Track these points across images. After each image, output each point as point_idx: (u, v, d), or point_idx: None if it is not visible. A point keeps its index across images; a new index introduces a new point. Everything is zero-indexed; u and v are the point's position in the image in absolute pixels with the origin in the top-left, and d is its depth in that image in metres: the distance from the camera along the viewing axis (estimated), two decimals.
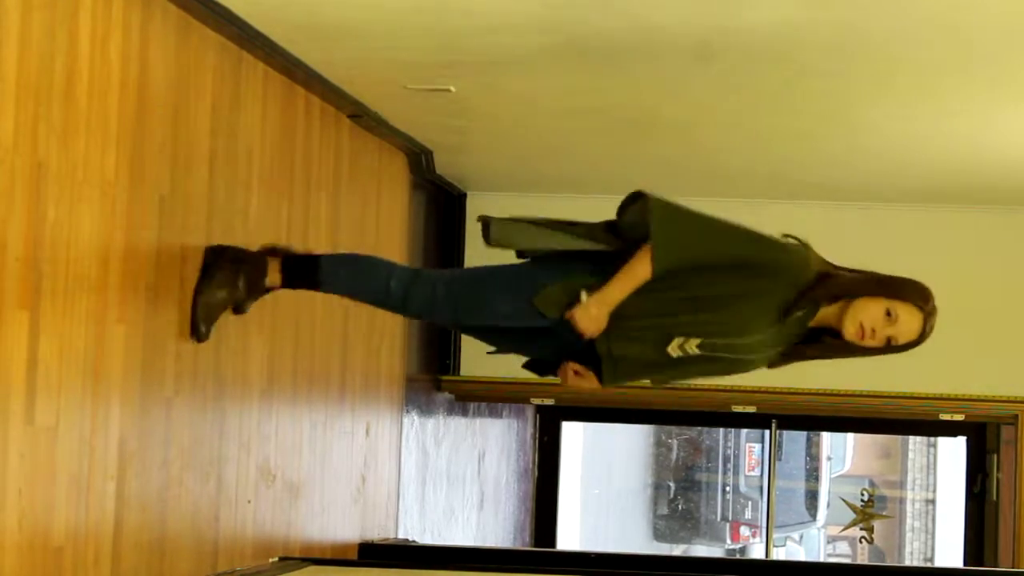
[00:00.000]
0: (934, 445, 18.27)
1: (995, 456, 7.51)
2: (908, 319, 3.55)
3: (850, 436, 18.88)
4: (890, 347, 3.59)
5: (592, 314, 3.57)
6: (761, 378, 6.79)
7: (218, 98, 4.13)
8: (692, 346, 3.58)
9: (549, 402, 7.41)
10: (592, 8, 3.93)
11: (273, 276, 3.92)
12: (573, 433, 13.12)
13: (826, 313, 3.59)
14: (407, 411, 6.34)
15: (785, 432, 13.41)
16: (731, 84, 4.75)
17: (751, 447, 17.56)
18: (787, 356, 3.72)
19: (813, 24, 3.99)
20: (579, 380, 3.70)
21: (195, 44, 3.98)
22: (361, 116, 5.34)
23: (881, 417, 7.36)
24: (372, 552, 5.62)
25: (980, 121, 5.10)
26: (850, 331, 3.54)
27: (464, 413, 7.53)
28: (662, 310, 3.58)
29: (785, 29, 4.03)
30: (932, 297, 3.61)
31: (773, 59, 4.37)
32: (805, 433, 17.30)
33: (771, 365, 3.75)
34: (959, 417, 6.98)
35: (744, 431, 16.86)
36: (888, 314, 3.52)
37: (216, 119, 4.12)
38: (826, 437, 18.20)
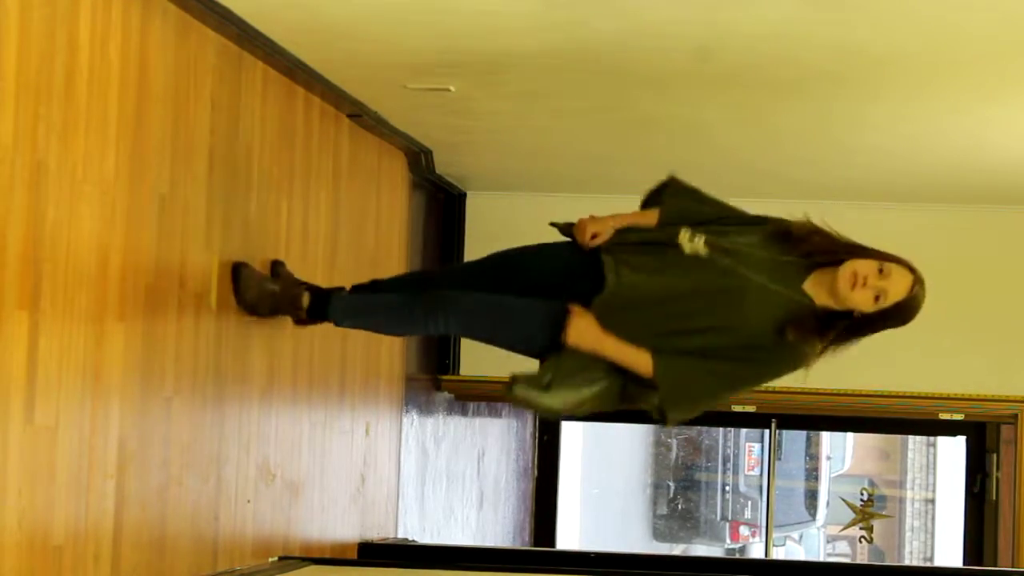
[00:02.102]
0: (934, 444, 18.28)
1: (995, 456, 7.51)
2: (899, 276, 3.62)
3: (849, 436, 18.88)
4: (882, 310, 3.63)
5: (600, 218, 3.90)
6: None
7: (218, 98, 4.14)
8: (700, 242, 3.73)
9: None
10: (592, 8, 3.93)
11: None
12: (573, 433, 13.12)
13: (821, 280, 3.69)
14: (407, 410, 6.34)
15: (785, 432, 13.42)
16: (730, 84, 4.76)
17: (751, 447, 17.56)
18: (792, 325, 3.70)
19: (812, 24, 3.99)
20: (581, 320, 3.73)
21: (195, 44, 3.98)
22: (361, 116, 5.35)
23: (881, 417, 7.36)
24: (372, 551, 5.62)
25: (980, 121, 5.10)
26: (844, 277, 3.61)
27: (464, 412, 7.53)
28: (662, 235, 3.83)
29: (784, 29, 4.03)
30: (917, 270, 3.70)
31: (772, 59, 4.37)
32: (805, 433, 17.30)
33: (780, 336, 3.70)
34: (959, 417, 6.98)
35: (744, 431, 16.86)
36: (880, 270, 3.60)
37: (216, 119, 4.12)
38: (826, 437, 18.20)
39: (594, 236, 3.86)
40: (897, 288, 3.62)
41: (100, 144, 3.42)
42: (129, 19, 3.57)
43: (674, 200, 3.88)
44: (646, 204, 4.00)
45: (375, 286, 4.36)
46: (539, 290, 3.90)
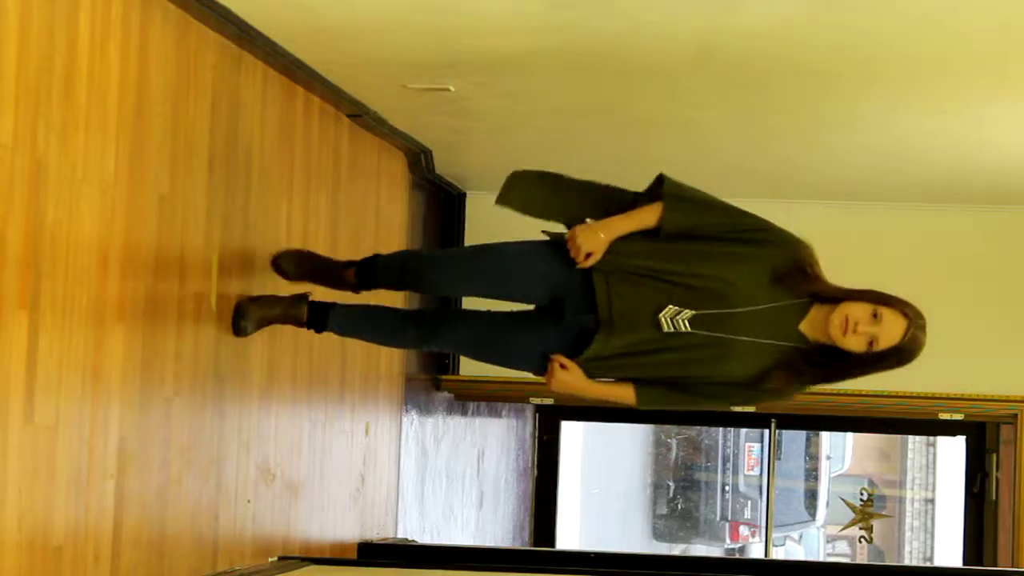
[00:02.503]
0: (933, 444, 18.28)
1: (994, 456, 7.50)
2: (892, 321, 3.58)
3: (849, 435, 18.88)
4: (874, 353, 3.61)
5: (594, 232, 3.76)
6: None
7: (218, 98, 4.14)
8: (683, 320, 3.68)
9: (548, 402, 7.41)
10: (592, 8, 3.93)
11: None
12: (573, 433, 13.12)
13: (817, 317, 3.67)
14: (406, 410, 6.34)
15: (784, 431, 13.41)
16: (730, 84, 4.76)
17: (750, 446, 17.56)
18: (779, 370, 3.72)
19: (812, 24, 3.99)
20: (566, 374, 3.78)
21: (195, 44, 3.98)
22: (361, 116, 5.34)
23: (881, 417, 7.36)
24: (371, 551, 5.62)
25: (980, 121, 5.10)
26: (835, 324, 3.59)
27: (463, 412, 7.53)
28: (660, 257, 3.73)
29: (784, 29, 4.03)
30: (921, 315, 3.65)
31: (772, 59, 4.37)
32: (804, 432, 17.30)
33: (760, 383, 3.75)
34: (958, 416, 6.98)
35: (743, 430, 16.86)
36: (874, 315, 3.57)
37: (216, 119, 4.12)
38: (825, 436, 18.20)
39: (588, 256, 3.77)
40: (890, 334, 3.58)
41: (100, 144, 3.42)
42: (129, 19, 3.57)
43: (676, 207, 3.76)
44: (640, 197, 3.88)
45: (373, 264, 4.24)
46: (533, 301, 3.97)
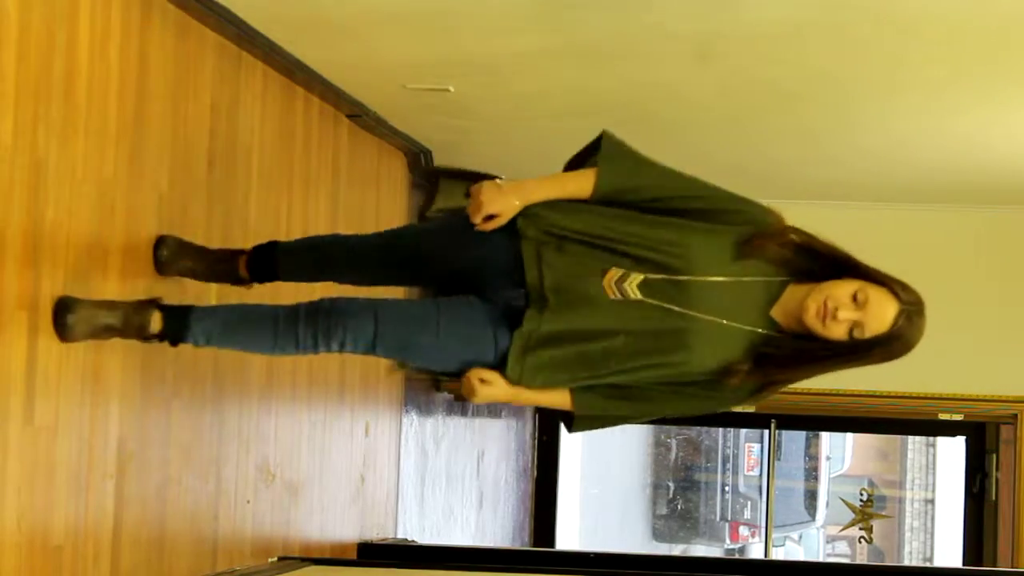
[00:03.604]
0: (933, 445, 18.28)
1: (994, 456, 7.51)
2: (879, 306, 2.94)
3: (849, 436, 18.88)
4: (856, 343, 2.97)
5: (503, 193, 3.08)
6: None
7: (218, 98, 4.14)
8: (632, 286, 3.01)
9: None
10: (592, 8, 3.93)
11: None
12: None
13: (791, 301, 3.01)
14: (406, 410, 6.34)
15: (784, 432, 13.42)
16: (730, 84, 4.76)
17: (750, 447, 17.56)
18: (745, 363, 3.05)
19: (812, 25, 3.99)
20: (488, 389, 3.11)
21: (194, 44, 3.98)
22: (360, 116, 5.35)
23: (880, 417, 7.36)
24: (371, 552, 5.62)
25: (980, 120, 5.11)
26: (810, 311, 2.95)
27: (463, 413, 7.53)
28: (598, 222, 3.05)
29: (785, 29, 4.03)
30: (918, 297, 3.02)
31: (772, 59, 4.37)
32: (804, 433, 17.30)
33: (722, 379, 3.06)
34: (958, 417, 6.98)
35: (743, 431, 16.86)
36: (855, 298, 2.94)
37: (215, 119, 4.12)
38: (825, 437, 18.20)
39: (489, 219, 3.09)
40: (876, 320, 2.95)
41: (100, 144, 3.42)
42: (129, 19, 3.57)
43: (614, 166, 3.10)
44: (574, 164, 3.24)
45: (272, 250, 3.58)
46: (454, 281, 3.22)
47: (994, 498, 7.48)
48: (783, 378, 3.09)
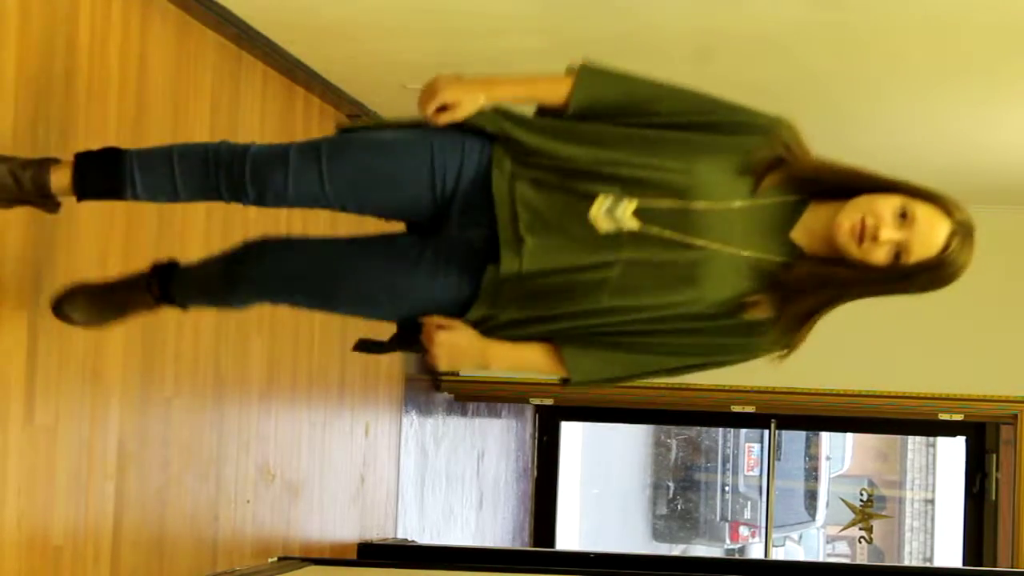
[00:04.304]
0: (933, 445, 18.28)
1: (994, 456, 7.51)
2: (928, 225, 2.45)
3: (849, 436, 18.88)
4: (899, 268, 2.46)
5: (464, 84, 2.59)
6: (761, 378, 6.83)
7: (217, 98, 4.13)
8: (626, 213, 2.48)
9: (548, 402, 7.41)
10: (592, 9, 3.93)
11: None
12: (572, 433, 13.12)
13: (816, 220, 2.52)
14: (406, 411, 6.34)
15: (784, 432, 13.43)
16: (730, 84, 4.75)
17: (750, 447, 17.56)
18: (764, 294, 2.53)
19: (812, 25, 3.99)
20: (452, 336, 2.54)
21: (194, 44, 3.98)
22: (360, 116, 5.34)
23: (880, 417, 7.36)
24: (371, 552, 5.62)
25: (979, 121, 5.11)
26: (844, 228, 2.44)
27: (463, 413, 7.53)
28: (581, 144, 2.53)
29: (784, 29, 4.03)
30: (970, 216, 2.52)
31: (772, 59, 4.37)
32: (804, 433, 17.30)
33: (735, 315, 2.54)
34: (958, 417, 6.98)
35: (743, 431, 16.86)
36: (903, 215, 2.45)
37: (216, 119, 4.12)
38: (825, 437, 18.20)
39: (442, 109, 2.56)
40: (924, 242, 2.44)
41: (99, 144, 3.41)
42: (129, 19, 3.57)
43: (591, 75, 2.59)
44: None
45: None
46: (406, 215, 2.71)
47: (994, 498, 7.48)
48: (808, 308, 2.55)
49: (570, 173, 2.50)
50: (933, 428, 8.65)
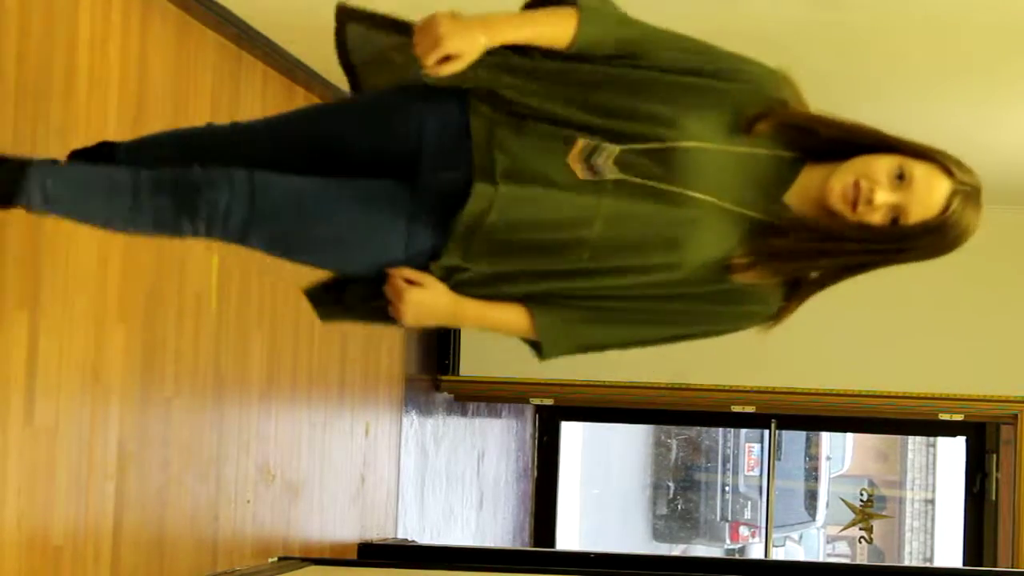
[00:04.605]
0: (933, 445, 18.28)
1: (994, 456, 7.51)
2: (926, 185, 2.28)
3: (849, 436, 18.88)
4: (897, 231, 2.31)
5: (466, 27, 2.27)
6: (761, 378, 6.83)
7: (218, 98, 4.14)
8: (607, 160, 2.30)
9: (548, 402, 7.41)
10: None
11: None
12: (572, 433, 13.12)
13: (811, 183, 2.34)
14: (406, 411, 6.34)
15: (784, 432, 13.43)
16: None
17: (750, 447, 17.55)
18: (752, 250, 2.34)
19: (813, 25, 3.99)
20: (420, 293, 2.34)
21: (194, 44, 3.98)
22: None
23: (881, 417, 7.36)
24: (371, 552, 5.62)
25: (979, 121, 5.11)
26: (836, 191, 2.28)
27: (463, 413, 7.53)
28: (572, 96, 2.34)
29: (785, 29, 4.03)
30: (975, 177, 2.36)
31: (772, 59, 4.36)
32: (804, 433, 17.30)
33: (722, 277, 2.35)
34: (958, 417, 6.98)
35: (743, 431, 16.86)
36: (900, 176, 2.29)
37: (216, 118, 4.12)
38: (825, 437, 18.20)
39: (445, 60, 2.27)
40: (923, 203, 2.28)
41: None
42: (129, 19, 3.57)
43: (595, 15, 2.37)
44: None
45: (112, 150, 2.74)
46: (380, 171, 2.44)
47: (994, 498, 7.48)
48: (801, 275, 2.38)
49: (553, 118, 2.32)
50: (933, 428, 8.65)
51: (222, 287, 4.15)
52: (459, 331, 6.89)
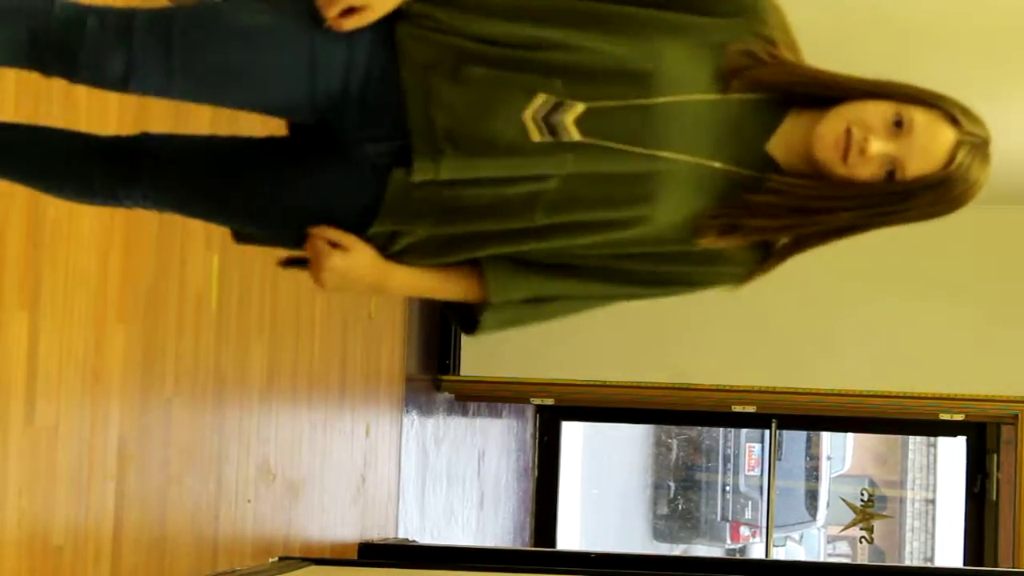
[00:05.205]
0: (934, 445, 18.28)
1: (995, 456, 7.51)
2: (928, 133, 2.02)
3: (850, 436, 18.88)
4: (895, 185, 2.01)
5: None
6: (762, 378, 6.83)
7: None
8: (568, 119, 1.93)
9: (549, 402, 7.41)
10: None
11: None
12: (573, 433, 13.12)
13: (795, 130, 2.02)
14: (407, 411, 6.34)
15: (785, 432, 13.43)
16: None
17: (751, 447, 17.56)
18: (720, 216, 2.01)
19: (812, 25, 3.99)
20: (343, 259, 2.03)
21: None
22: None
23: (881, 417, 7.36)
24: (372, 552, 5.62)
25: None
26: (826, 141, 1.96)
27: (464, 413, 7.53)
28: (523, 19, 1.97)
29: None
30: (984, 128, 2.18)
31: None
32: (805, 433, 17.30)
33: (690, 239, 2.01)
34: (959, 417, 6.98)
35: (744, 431, 16.87)
36: (897, 123, 2.01)
37: (216, 118, 4.12)
38: (826, 437, 18.20)
39: (349, 12, 1.94)
40: (923, 154, 2.01)
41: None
42: None
43: None
44: None
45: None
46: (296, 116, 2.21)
47: (995, 498, 7.48)
48: (780, 233, 2.05)
49: (500, 60, 1.94)
50: (934, 428, 8.65)
51: (222, 287, 4.15)
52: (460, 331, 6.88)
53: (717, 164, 1.99)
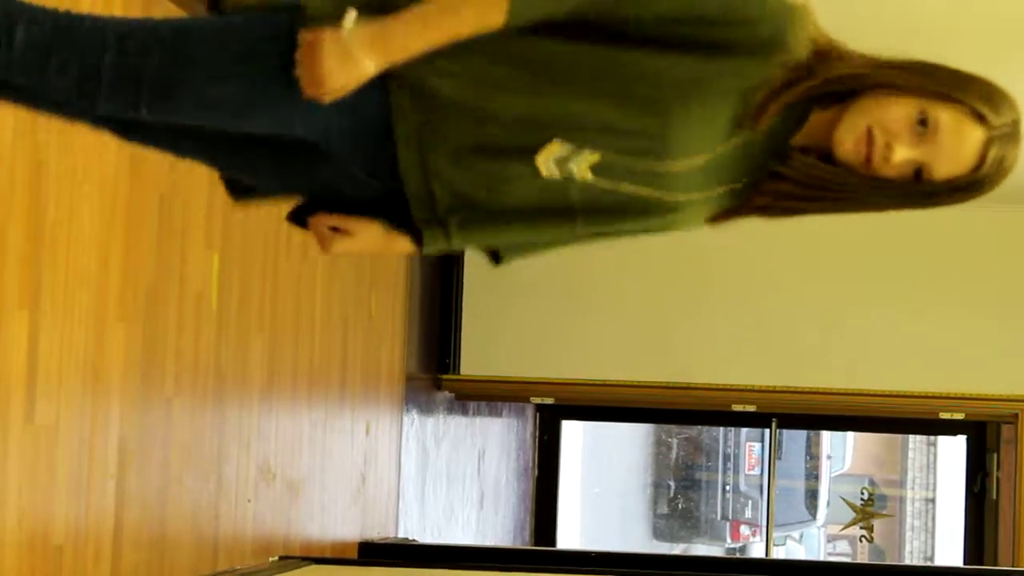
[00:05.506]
0: (934, 444, 18.29)
1: (995, 455, 7.51)
2: (955, 135, 1.90)
3: (850, 435, 18.88)
4: (920, 185, 1.95)
5: (347, 51, 1.77)
6: (762, 377, 6.83)
7: None
8: (583, 167, 1.87)
9: (549, 401, 7.42)
10: None
11: None
12: (573, 432, 13.12)
13: (818, 127, 1.95)
14: (407, 410, 6.34)
15: (785, 431, 13.44)
16: None
17: (751, 446, 17.56)
18: (734, 209, 2.01)
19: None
20: (353, 242, 1.98)
21: None
22: None
23: (881, 416, 7.37)
24: (372, 551, 5.62)
25: None
26: (846, 143, 1.89)
27: (464, 412, 7.53)
28: (522, 103, 1.85)
29: None
30: (1014, 114, 2.01)
31: None
32: (805, 432, 17.31)
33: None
34: (959, 416, 6.99)
35: (744, 430, 16.87)
36: (922, 121, 1.89)
37: None
38: (826, 436, 18.20)
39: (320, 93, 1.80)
40: (953, 156, 1.90)
41: (100, 144, 3.41)
42: None
43: None
44: None
45: None
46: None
47: (995, 497, 7.48)
48: (797, 210, 2.04)
49: (502, 149, 1.86)
50: (934, 427, 8.66)
51: (222, 286, 4.15)
52: (460, 330, 6.89)
53: (734, 186, 1.95)
